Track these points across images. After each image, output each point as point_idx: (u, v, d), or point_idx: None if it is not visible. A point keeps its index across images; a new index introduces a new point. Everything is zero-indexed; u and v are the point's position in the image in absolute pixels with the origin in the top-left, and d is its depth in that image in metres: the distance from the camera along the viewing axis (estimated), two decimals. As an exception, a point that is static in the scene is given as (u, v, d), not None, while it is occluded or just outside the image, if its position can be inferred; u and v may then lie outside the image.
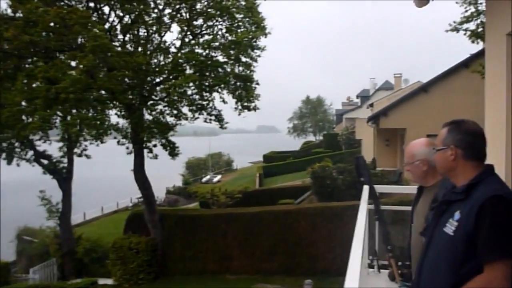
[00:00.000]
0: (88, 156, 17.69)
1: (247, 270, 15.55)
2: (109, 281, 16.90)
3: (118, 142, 16.42)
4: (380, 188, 5.85)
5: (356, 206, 13.10)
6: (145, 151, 16.38)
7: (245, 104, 16.93)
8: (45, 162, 18.23)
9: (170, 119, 16.73)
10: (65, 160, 18.31)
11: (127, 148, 16.37)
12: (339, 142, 46.27)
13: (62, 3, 14.58)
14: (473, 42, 13.45)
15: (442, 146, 2.20)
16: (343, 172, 18.35)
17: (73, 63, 14.58)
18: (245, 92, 16.60)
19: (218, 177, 52.61)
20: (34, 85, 14.13)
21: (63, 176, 18.10)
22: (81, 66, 13.55)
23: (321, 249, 14.61)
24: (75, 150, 17.81)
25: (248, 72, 16.67)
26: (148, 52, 15.88)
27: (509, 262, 1.90)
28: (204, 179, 51.00)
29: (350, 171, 18.14)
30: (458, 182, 2.15)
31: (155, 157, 16.40)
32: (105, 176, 62.94)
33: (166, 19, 16.16)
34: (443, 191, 2.55)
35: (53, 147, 18.02)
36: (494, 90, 3.89)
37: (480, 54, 14.12)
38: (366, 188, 5.25)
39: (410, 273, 5.11)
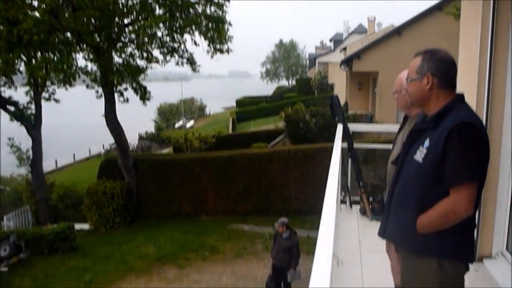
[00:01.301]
0: (56, 100, 17.14)
1: (222, 212, 15.89)
2: (85, 226, 17.02)
3: (87, 86, 15.95)
4: (353, 127, 5.94)
5: (329, 148, 13.42)
6: (116, 95, 16.01)
7: (217, 46, 16.55)
8: (12, 109, 17.65)
9: (141, 63, 16.29)
10: (33, 106, 17.75)
11: (97, 92, 15.95)
12: (312, 86, 46.30)
13: None
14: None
15: (417, 75, 2.19)
16: (316, 115, 18.51)
17: (35, 3, 13.84)
18: (217, 34, 16.18)
19: (191, 122, 52.35)
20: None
21: (32, 123, 17.62)
22: (44, 5, 12.88)
23: (293, 190, 14.99)
24: (43, 94, 17.26)
25: (220, 13, 16.18)
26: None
27: (474, 186, 1.98)
28: (176, 125, 50.71)
29: (323, 114, 18.33)
30: (430, 111, 2.18)
31: (126, 100, 16.07)
32: (76, 124, 61.79)
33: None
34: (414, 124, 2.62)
35: (19, 94, 17.41)
36: (469, 30, 3.90)
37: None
38: (340, 127, 5.34)
39: (380, 207, 5.35)
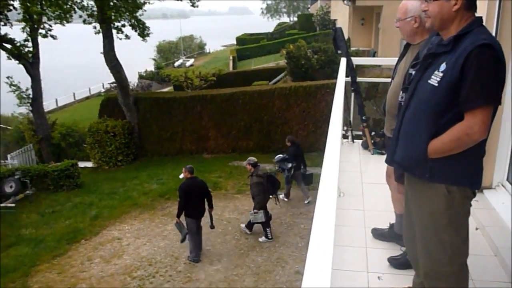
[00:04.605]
0: (54, 37, 16.73)
1: (224, 149, 16.02)
2: (89, 164, 17.24)
3: (84, 21, 15.54)
4: (356, 60, 5.84)
5: (330, 85, 13.38)
6: (114, 32, 15.64)
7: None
8: (9, 46, 17.28)
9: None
10: (30, 44, 17.37)
11: (95, 28, 15.55)
12: (314, 23, 45.09)
13: None
14: None
15: None
16: (317, 52, 18.16)
17: None
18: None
19: (191, 61, 51.50)
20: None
21: (30, 61, 17.32)
22: None
23: (294, 127, 15.01)
24: (40, 31, 16.83)
25: None
26: None
27: (490, 110, 1.95)
28: (176, 63, 49.86)
29: (325, 51, 17.98)
30: (449, 34, 2.08)
31: (126, 37, 15.72)
32: (75, 63, 60.89)
33: None
34: (427, 49, 2.53)
35: (15, 32, 16.99)
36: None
37: None
38: (343, 61, 5.24)
39: (382, 141, 5.36)
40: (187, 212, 8.24)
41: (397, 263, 2.94)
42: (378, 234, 3.36)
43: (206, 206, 8.62)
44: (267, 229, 9.17)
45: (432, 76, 2.07)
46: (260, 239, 9.25)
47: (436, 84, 2.03)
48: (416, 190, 2.26)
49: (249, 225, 9.50)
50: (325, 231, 1.39)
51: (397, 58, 3.22)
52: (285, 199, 10.98)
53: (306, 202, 10.78)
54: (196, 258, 8.61)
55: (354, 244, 3.29)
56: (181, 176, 8.48)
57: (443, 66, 2.02)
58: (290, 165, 10.10)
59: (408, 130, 2.21)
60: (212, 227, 8.75)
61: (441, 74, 2.02)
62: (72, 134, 19.68)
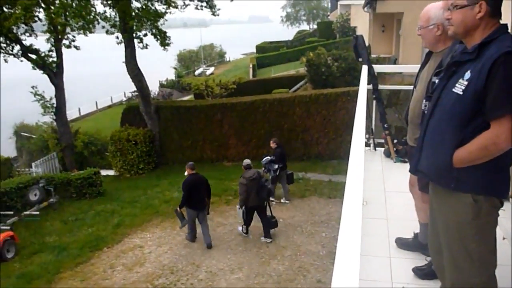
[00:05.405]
0: (77, 47, 17.09)
1: (244, 157, 15.90)
2: (111, 172, 17.47)
3: (107, 31, 15.85)
4: (378, 68, 5.79)
5: (351, 92, 13.31)
6: (136, 41, 15.89)
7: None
8: (34, 57, 17.71)
9: (159, 7, 16.02)
10: (54, 54, 17.79)
11: (117, 37, 15.85)
12: (334, 30, 45.02)
13: None
14: None
15: (467, 2, 2.01)
16: (338, 59, 18.11)
17: None
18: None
19: (211, 69, 51.90)
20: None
21: (54, 71, 17.71)
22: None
23: (315, 134, 14.95)
24: (63, 42, 17.21)
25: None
26: None
27: None
28: (197, 72, 50.34)
29: (345, 58, 17.92)
30: (474, 41, 2.04)
31: (146, 47, 15.96)
32: (97, 72, 62.02)
33: None
34: (450, 57, 2.49)
35: (40, 43, 17.43)
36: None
37: None
38: (365, 68, 5.20)
39: (404, 149, 5.30)
40: (189, 204, 9.29)
41: (422, 273, 2.89)
42: (402, 243, 3.31)
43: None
44: (245, 226, 9.81)
45: (457, 85, 2.03)
46: (238, 229, 10.01)
47: (461, 93, 2.00)
48: (441, 199, 2.22)
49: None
50: (352, 241, 1.38)
51: (418, 65, 3.18)
52: (287, 202, 11.57)
53: (283, 201, 11.56)
54: (191, 239, 9.83)
55: (378, 254, 3.25)
56: (186, 173, 9.48)
57: (467, 74, 1.99)
58: (276, 166, 10.75)
59: (433, 139, 2.18)
60: (207, 213, 9.74)
61: (466, 83, 1.98)
62: (95, 142, 20.01)
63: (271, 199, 10.52)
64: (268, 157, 11.02)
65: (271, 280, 8.17)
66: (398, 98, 10.77)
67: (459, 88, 2.01)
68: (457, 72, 2.08)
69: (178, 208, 9.36)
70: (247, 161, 9.83)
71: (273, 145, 11.47)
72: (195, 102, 19.21)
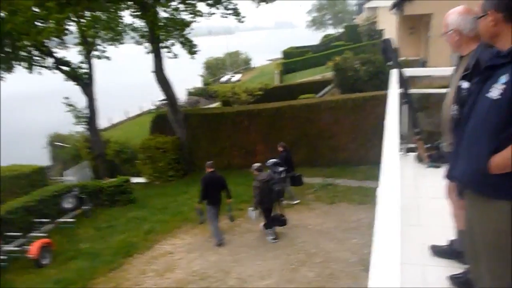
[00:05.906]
0: (108, 58, 17.52)
1: (272, 164, 15.99)
2: (141, 180, 17.75)
3: (136, 42, 16.22)
4: (408, 72, 5.71)
5: (379, 97, 13.09)
6: (164, 50, 16.15)
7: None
8: (66, 69, 18.23)
9: (186, 16, 16.25)
10: (85, 66, 18.27)
11: (146, 48, 16.17)
12: (360, 33, 44.68)
13: None
14: None
15: (482, 13, 2.07)
16: (365, 63, 17.94)
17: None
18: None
19: (238, 76, 52.21)
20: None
21: (85, 82, 18.18)
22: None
23: (343, 140, 14.82)
24: (94, 53, 17.67)
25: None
26: None
27: None
28: (223, 79, 50.74)
29: (373, 62, 17.74)
30: (504, 46, 2.01)
31: (174, 56, 16.21)
32: (127, 81, 63.21)
33: None
34: (474, 60, 2.46)
35: (71, 55, 17.94)
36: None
37: None
38: (394, 72, 5.14)
39: (437, 154, 5.20)
40: (207, 199, 9.88)
41: (459, 281, 2.82)
42: (437, 251, 3.24)
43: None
44: (268, 230, 9.98)
45: (491, 89, 1.99)
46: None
47: (497, 98, 1.96)
48: (478, 207, 2.17)
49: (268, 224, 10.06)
50: (390, 249, 1.36)
51: (450, 68, 3.16)
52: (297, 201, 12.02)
53: (294, 203, 11.97)
54: (220, 242, 10.05)
55: (412, 262, 3.19)
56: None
57: (504, 78, 1.94)
58: (281, 168, 10.79)
59: (468, 145, 2.14)
60: (232, 219, 10.43)
61: (502, 87, 1.94)
62: (125, 150, 20.39)
63: (281, 199, 10.69)
64: (273, 160, 11.23)
65: (301, 287, 8.12)
66: (429, 102, 10.58)
67: (494, 92, 1.97)
68: (492, 76, 2.04)
69: (197, 205, 10.13)
70: (257, 164, 10.11)
71: (280, 148, 12.05)
72: (222, 109, 19.37)
